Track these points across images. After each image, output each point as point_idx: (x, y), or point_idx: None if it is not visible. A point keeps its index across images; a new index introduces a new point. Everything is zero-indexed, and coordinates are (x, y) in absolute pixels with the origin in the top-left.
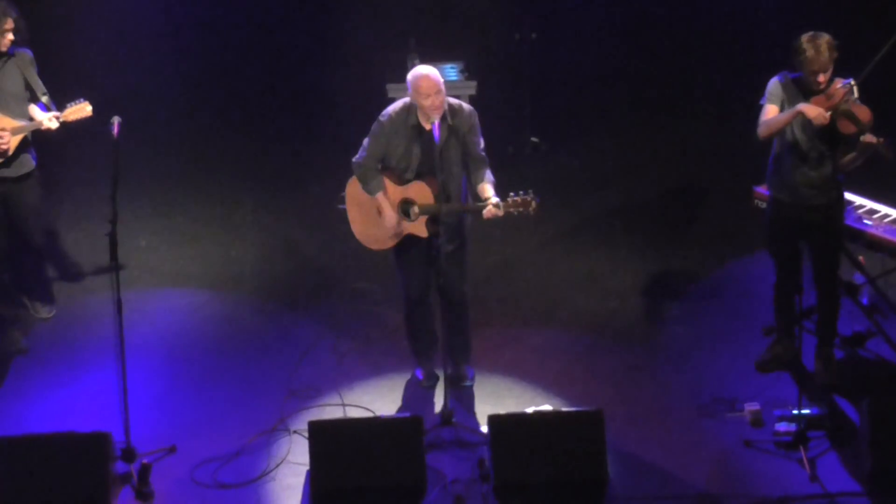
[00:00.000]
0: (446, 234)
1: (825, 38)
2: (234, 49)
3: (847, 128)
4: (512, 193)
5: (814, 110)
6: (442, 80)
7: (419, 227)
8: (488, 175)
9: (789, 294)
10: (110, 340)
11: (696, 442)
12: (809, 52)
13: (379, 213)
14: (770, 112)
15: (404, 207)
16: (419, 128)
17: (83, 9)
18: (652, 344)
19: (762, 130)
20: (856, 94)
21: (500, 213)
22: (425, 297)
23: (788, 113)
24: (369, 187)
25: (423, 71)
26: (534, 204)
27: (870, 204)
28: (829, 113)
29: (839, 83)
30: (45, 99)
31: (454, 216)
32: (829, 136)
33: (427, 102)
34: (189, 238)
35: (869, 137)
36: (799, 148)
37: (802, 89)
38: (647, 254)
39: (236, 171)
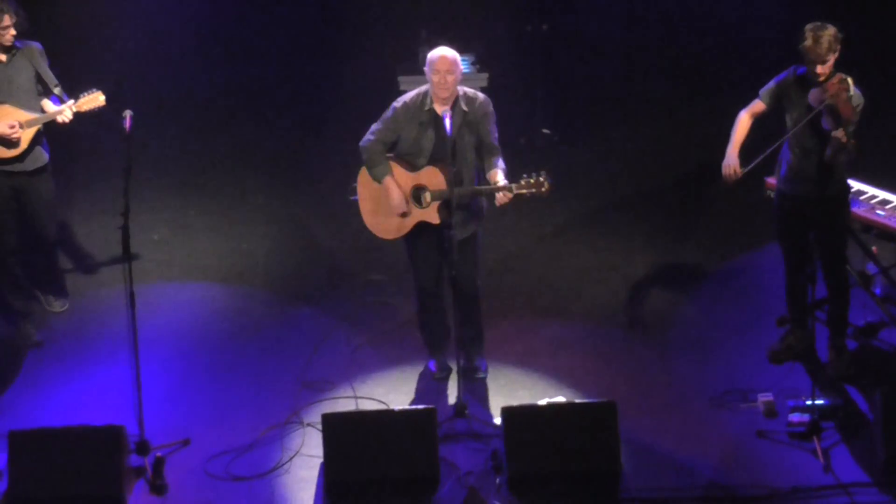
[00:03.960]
0: (459, 223)
1: (828, 30)
2: (245, 41)
3: (829, 124)
4: (525, 175)
5: (726, 169)
6: (461, 66)
7: (431, 214)
8: (500, 163)
9: (801, 285)
10: (123, 334)
11: (710, 432)
12: (808, 42)
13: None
14: (755, 106)
15: (416, 194)
16: (434, 114)
17: (94, 1)
18: (665, 335)
19: (735, 119)
20: (851, 91)
21: (510, 196)
22: (438, 289)
23: (730, 141)
24: (375, 172)
25: (442, 50)
26: (546, 184)
27: (882, 194)
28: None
29: (837, 77)
30: (57, 90)
31: (467, 202)
32: (821, 133)
33: (436, 78)
34: (201, 231)
35: (839, 133)
36: (798, 142)
37: (807, 83)
38: (659, 245)
39: (248, 164)
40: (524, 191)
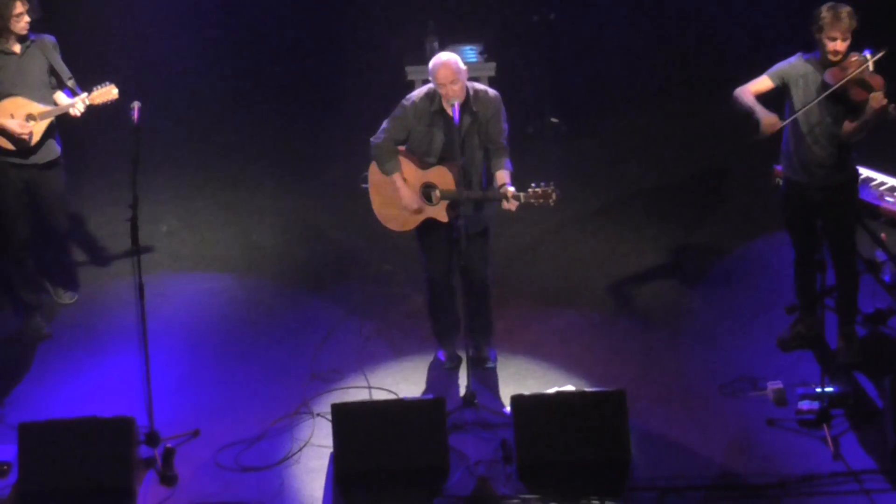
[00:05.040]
0: (467, 219)
1: (846, 7)
2: (253, 33)
3: (859, 94)
4: (533, 184)
5: (768, 120)
6: (464, 67)
7: (440, 212)
8: (507, 164)
9: (810, 272)
10: (133, 325)
11: (719, 421)
12: (828, 17)
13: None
14: (759, 83)
15: (426, 191)
16: (443, 112)
17: None
18: (674, 324)
19: (735, 93)
20: (871, 67)
21: (514, 206)
22: (448, 279)
23: (751, 104)
24: (386, 167)
25: (442, 58)
26: (554, 196)
27: (891, 181)
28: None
29: (855, 56)
30: (70, 83)
31: (474, 202)
32: (837, 114)
33: (442, 91)
34: (210, 222)
35: (878, 96)
36: (807, 127)
37: (817, 68)
38: (668, 233)
39: (257, 155)
40: (532, 200)
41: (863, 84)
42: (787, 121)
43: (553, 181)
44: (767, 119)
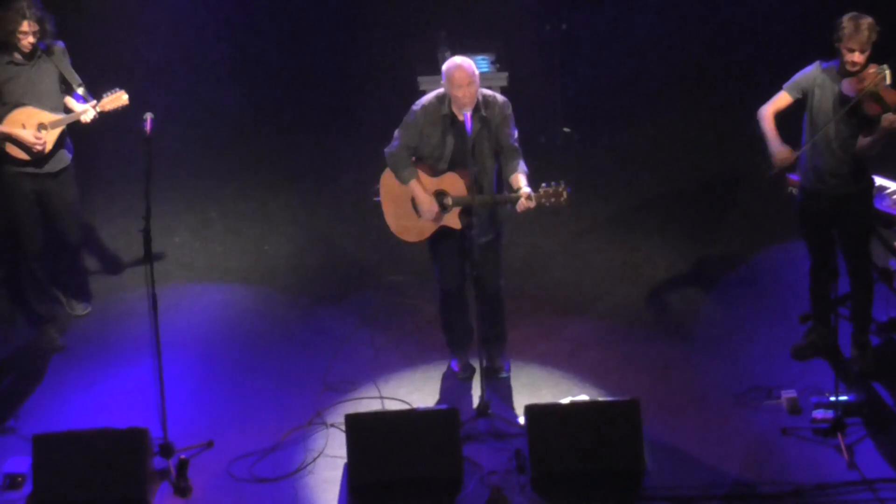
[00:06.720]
0: (480, 226)
1: (867, 19)
2: (264, 43)
3: (872, 109)
4: (543, 184)
5: (780, 155)
6: (477, 72)
7: (453, 219)
8: (522, 166)
9: (824, 281)
10: (146, 336)
11: (733, 430)
12: (849, 29)
13: (414, 202)
14: (779, 100)
15: (438, 199)
16: (452, 118)
17: (116, 3)
18: (687, 333)
19: (758, 115)
20: (888, 80)
21: (533, 204)
22: (461, 288)
23: (767, 134)
24: (402, 176)
25: (458, 61)
26: (565, 194)
27: None
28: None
29: (873, 68)
30: (81, 90)
31: (487, 208)
32: (853, 125)
33: (459, 94)
34: (223, 233)
35: (890, 117)
36: (826, 138)
37: (835, 77)
38: (681, 243)
39: (269, 166)
40: (543, 200)
41: (877, 98)
42: (800, 151)
43: (563, 180)
44: (780, 154)
